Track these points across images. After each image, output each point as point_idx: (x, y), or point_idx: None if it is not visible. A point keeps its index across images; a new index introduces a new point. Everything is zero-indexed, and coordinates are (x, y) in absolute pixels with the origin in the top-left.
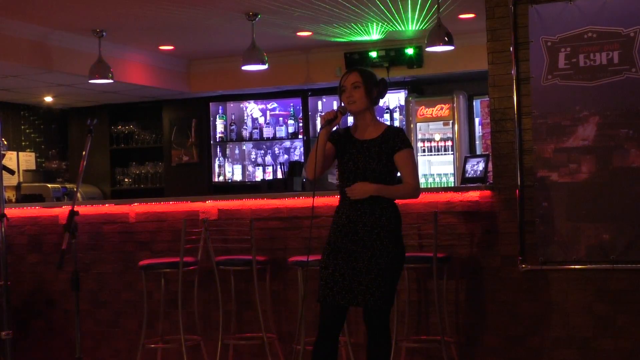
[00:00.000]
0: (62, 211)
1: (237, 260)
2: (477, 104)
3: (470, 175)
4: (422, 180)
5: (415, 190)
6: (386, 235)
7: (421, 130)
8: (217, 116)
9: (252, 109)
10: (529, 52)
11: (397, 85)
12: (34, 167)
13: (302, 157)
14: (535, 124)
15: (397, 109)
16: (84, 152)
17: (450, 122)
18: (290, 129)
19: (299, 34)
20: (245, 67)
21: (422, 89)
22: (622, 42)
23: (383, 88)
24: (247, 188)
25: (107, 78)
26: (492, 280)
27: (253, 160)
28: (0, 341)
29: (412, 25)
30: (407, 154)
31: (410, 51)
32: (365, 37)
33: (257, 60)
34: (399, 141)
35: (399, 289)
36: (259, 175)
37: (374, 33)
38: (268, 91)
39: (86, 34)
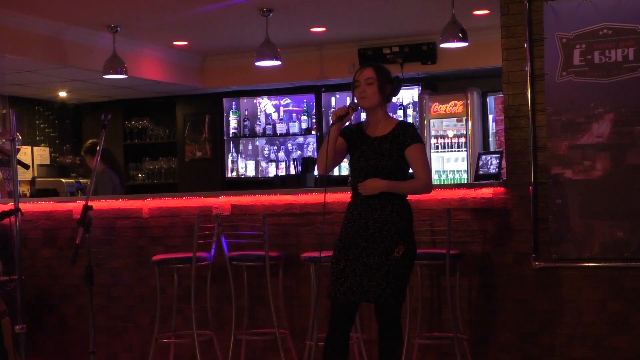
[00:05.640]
0: (76, 206)
1: (250, 256)
2: (491, 100)
3: (483, 172)
4: (435, 177)
5: (427, 185)
6: (397, 231)
7: (435, 126)
8: (231, 112)
9: (266, 104)
10: (544, 48)
11: (410, 82)
12: (48, 161)
13: (315, 154)
14: (550, 121)
15: (411, 105)
16: (98, 147)
17: (464, 118)
18: (304, 125)
19: (313, 29)
20: (258, 63)
21: (435, 86)
22: (638, 39)
23: (397, 86)
24: (260, 184)
25: (121, 73)
26: (505, 277)
27: (266, 156)
28: (15, 335)
29: (426, 21)
30: (417, 149)
31: (424, 47)
32: (379, 33)
33: (270, 56)
34: (409, 137)
35: (412, 285)
36: (272, 171)
37: (388, 29)
38: (281, 87)
39: (101, 29)
